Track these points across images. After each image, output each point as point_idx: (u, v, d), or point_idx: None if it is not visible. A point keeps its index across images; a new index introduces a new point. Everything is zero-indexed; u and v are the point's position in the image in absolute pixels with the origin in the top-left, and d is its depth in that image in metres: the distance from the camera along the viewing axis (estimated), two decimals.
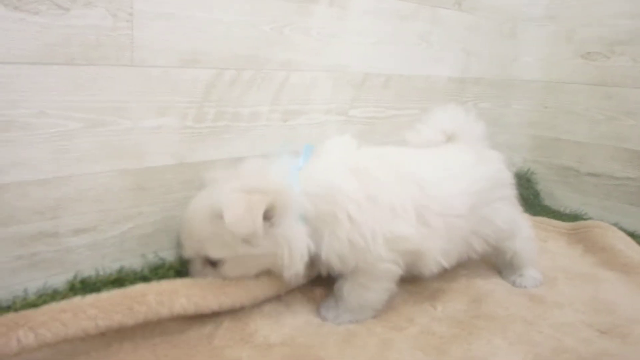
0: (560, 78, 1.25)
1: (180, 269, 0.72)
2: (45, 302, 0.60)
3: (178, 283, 0.63)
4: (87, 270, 0.69)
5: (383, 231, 0.64)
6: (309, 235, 0.64)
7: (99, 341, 0.57)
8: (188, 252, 0.66)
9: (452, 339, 0.65)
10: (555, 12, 1.24)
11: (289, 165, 0.68)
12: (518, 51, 1.28)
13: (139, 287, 0.60)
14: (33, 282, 0.65)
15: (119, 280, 0.68)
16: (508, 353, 0.63)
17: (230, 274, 0.64)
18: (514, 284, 0.82)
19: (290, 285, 0.68)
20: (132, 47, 0.67)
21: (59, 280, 0.66)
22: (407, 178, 0.69)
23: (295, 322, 0.66)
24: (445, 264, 0.72)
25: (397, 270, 0.68)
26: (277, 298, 0.70)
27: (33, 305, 0.59)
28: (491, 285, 0.81)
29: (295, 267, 0.63)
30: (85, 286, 0.65)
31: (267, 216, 0.61)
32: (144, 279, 0.68)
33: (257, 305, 0.67)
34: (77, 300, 0.56)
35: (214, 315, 0.64)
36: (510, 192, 0.82)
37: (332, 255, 0.64)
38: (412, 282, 0.78)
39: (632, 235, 1.04)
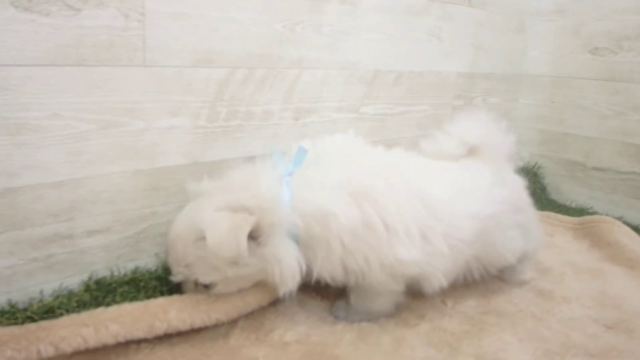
0: (568, 73, 1.25)
1: None
2: (62, 303, 0.61)
3: (200, 298, 0.61)
4: (102, 271, 0.69)
5: (380, 258, 0.61)
6: (300, 253, 0.60)
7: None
8: (178, 277, 0.62)
9: (463, 335, 0.66)
10: (564, 6, 1.24)
11: (279, 171, 0.63)
12: (526, 46, 1.28)
13: (161, 302, 0.59)
14: (48, 284, 0.65)
15: (134, 280, 0.68)
16: (518, 349, 0.64)
17: (223, 292, 0.61)
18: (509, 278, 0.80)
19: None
20: (144, 48, 0.66)
21: (74, 281, 0.67)
22: (412, 196, 0.63)
23: (310, 321, 0.67)
24: (445, 283, 0.67)
25: (399, 289, 0.66)
26: (290, 297, 0.71)
27: (49, 307, 0.59)
28: (500, 281, 0.82)
29: (286, 286, 0.60)
30: (100, 287, 0.65)
31: (254, 235, 0.57)
32: (159, 279, 0.69)
33: (271, 304, 0.68)
34: (99, 312, 0.56)
35: None
36: (526, 217, 0.75)
37: (326, 275, 0.62)
38: None
39: (636, 228, 1.05)
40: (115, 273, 0.70)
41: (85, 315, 0.55)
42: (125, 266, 0.71)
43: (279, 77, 0.82)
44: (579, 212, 1.20)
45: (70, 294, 0.63)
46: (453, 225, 0.65)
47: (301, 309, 0.70)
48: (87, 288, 0.65)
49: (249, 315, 0.65)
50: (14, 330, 0.52)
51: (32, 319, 0.57)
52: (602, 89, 1.20)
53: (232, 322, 0.64)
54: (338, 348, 0.62)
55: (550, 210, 1.19)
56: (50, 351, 0.51)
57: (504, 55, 1.23)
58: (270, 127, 0.83)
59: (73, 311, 0.58)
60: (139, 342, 0.58)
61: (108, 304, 0.60)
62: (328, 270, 0.62)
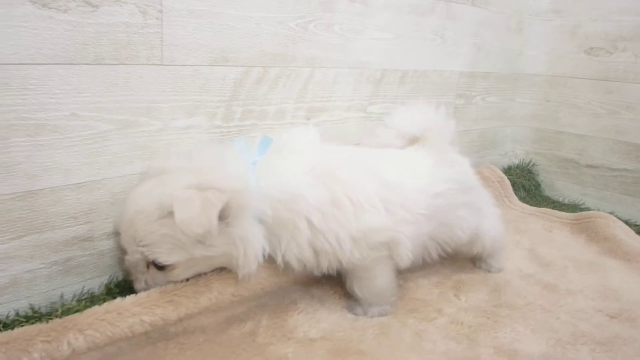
0: (564, 72, 1.29)
1: None
2: (86, 306, 0.60)
3: (212, 278, 0.63)
4: (122, 273, 0.68)
5: (350, 232, 0.63)
6: (265, 237, 0.61)
7: (144, 343, 0.58)
8: (133, 257, 0.59)
9: (479, 327, 0.69)
10: (561, 6, 1.27)
11: (245, 157, 0.63)
12: (524, 45, 1.31)
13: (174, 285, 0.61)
14: (68, 287, 0.64)
15: None
16: (532, 339, 0.67)
17: (180, 277, 0.61)
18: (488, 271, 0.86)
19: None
20: (162, 46, 0.65)
21: (94, 284, 0.66)
22: (371, 176, 0.67)
23: (331, 318, 0.68)
24: (411, 255, 0.69)
25: (384, 254, 0.67)
26: (309, 295, 0.72)
27: (75, 310, 0.58)
28: (507, 276, 0.85)
29: (249, 267, 0.61)
30: (122, 289, 0.65)
31: (222, 216, 0.57)
32: None
33: (292, 302, 0.69)
34: (118, 300, 0.57)
35: (251, 314, 0.65)
36: (475, 197, 0.79)
37: (292, 259, 0.63)
38: (434, 273, 0.82)
39: (626, 223, 1.09)
40: None
41: (106, 305, 0.56)
42: None
43: (292, 76, 0.82)
44: (572, 208, 1.24)
45: (93, 297, 0.63)
46: (408, 198, 0.68)
47: (321, 306, 0.70)
48: (108, 291, 0.64)
49: (271, 313, 0.66)
50: (41, 325, 0.53)
51: None
52: (596, 89, 1.23)
53: (255, 320, 0.65)
54: (362, 343, 0.63)
55: (544, 206, 1.22)
56: (79, 340, 0.51)
57: (503, 54, 1.26)
58: (283, 127, 0.83)
59: None
60: (166, 342, 0.58)
61: None
62: (294, 254, 0.62)
